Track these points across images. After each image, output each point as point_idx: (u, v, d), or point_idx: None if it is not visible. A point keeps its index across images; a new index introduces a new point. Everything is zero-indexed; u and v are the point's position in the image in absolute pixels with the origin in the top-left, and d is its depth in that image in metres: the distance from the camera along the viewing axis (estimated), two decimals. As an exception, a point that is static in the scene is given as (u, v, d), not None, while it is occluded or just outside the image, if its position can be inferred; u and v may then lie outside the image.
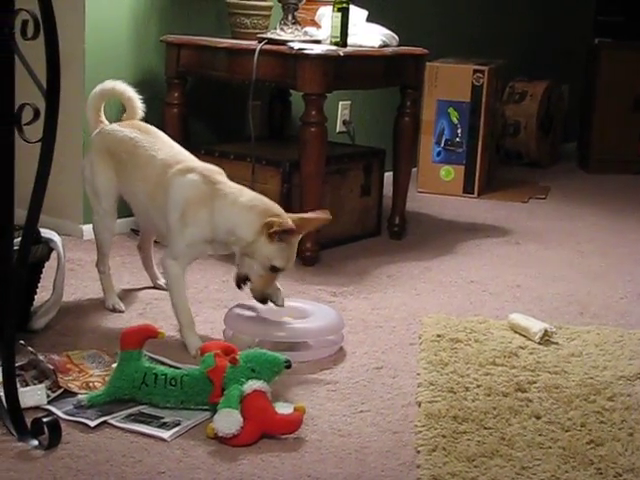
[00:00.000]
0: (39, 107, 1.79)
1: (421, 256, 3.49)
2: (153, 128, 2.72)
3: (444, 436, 2.01)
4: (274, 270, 2.38)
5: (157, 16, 3.60)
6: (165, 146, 2.63)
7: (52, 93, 1.77)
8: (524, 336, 2.65)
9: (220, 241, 2.44)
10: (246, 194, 2.44)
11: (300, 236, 2.41)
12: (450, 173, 4.63)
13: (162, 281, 2.91)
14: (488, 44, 5.41)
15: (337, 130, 4.51)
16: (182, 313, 2.47)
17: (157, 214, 2.54)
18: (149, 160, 2.57)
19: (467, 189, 4.63)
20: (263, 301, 2.42)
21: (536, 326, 2.64)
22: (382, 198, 3.78)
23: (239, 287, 2.44)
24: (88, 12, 3.33)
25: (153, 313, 2.71)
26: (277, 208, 2.42)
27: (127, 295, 2.85)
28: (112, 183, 2.68)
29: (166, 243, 2.54)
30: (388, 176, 3.78)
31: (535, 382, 2.32)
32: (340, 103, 4.50)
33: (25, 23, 1.74)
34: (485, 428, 2.06)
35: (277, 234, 2.32)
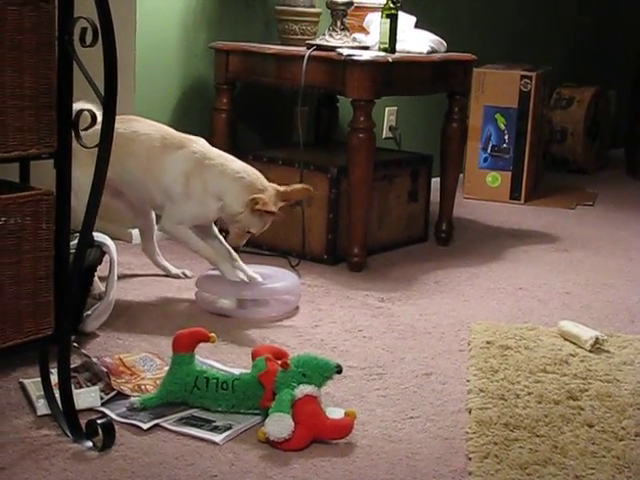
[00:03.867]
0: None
1: (468, 262, 3.48)
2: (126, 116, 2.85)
3: (496, 443, 2.00)
4: (249, 232, 2.76)
5: (206, 23, 3.63)
6: (143, 124, 2.82)
7: (109, 99, 1.79)
8: (574, 344, 2.63)
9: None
10: (231, 165, 2.74)
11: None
12: (497, 179, 4.61)
13: (175, 270, 3.06)
14: (536, 50, 5.38)
15: (383, 136, 4.51)
16: (205, 252, 2.78)
17: (153, 184, 2.77)
18: (132, 137, 2.77)
19: (514, 195, 4.61)
20: (236, 249, 2.81)
21: (587, 334, 2.62)
22: (429, 204, 3.77)
23: (220, 233, 2.86)
24: (139, 20, 3.36)
25: (202, 318, 2.73)
26: (260, 181, 2.73)
27: (169, 302, 2.88)
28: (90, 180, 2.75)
29: (162, 212, 2.79)
30: (435, 182, 3.78)
31: (587, 390, 2.31)
32: (387, 109, 4.50)
33: (84, 31, 1.76)
34: (537, 436, 2.04)
35: (259, 212, 2.66)
